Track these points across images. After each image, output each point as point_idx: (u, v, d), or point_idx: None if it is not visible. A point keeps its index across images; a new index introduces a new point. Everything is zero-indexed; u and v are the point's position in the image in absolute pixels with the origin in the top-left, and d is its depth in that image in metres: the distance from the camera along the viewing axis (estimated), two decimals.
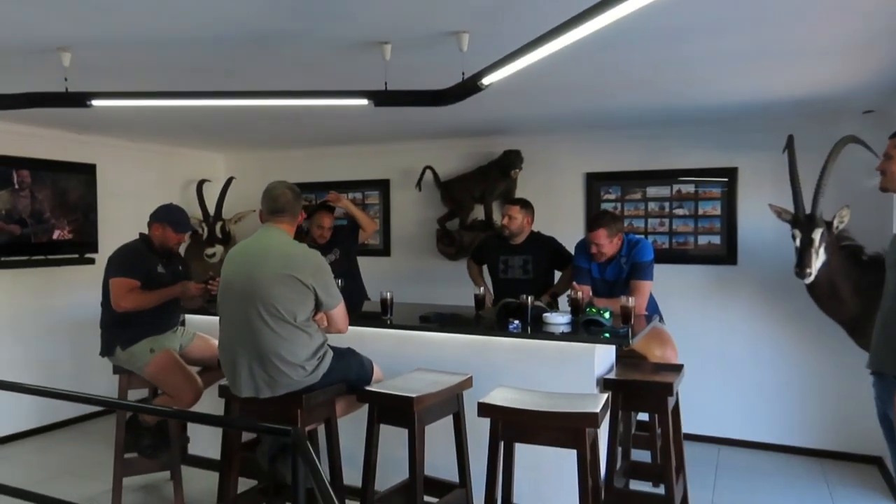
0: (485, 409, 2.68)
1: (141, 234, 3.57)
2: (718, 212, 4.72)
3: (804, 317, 4.30)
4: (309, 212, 5.12)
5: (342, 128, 4.98)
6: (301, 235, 5.37)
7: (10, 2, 2.29)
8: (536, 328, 3.28)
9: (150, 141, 5.67)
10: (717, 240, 4.73)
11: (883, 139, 2.56)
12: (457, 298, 4.49)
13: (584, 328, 3.24)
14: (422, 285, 5.46)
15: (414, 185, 5.57)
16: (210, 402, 3.51)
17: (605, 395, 2.77)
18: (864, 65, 3.16)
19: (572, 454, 2.56)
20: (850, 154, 3.76)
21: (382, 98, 2.85)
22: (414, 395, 2.78)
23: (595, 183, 5.10)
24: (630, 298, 3.27)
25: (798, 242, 3.74)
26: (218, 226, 5.90)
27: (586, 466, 2.55)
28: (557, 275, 4.26)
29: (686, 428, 3.81)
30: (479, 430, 2.96)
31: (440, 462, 3.20)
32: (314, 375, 2.81)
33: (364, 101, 2.88)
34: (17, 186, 4.72)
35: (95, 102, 2.97)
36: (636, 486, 3.55)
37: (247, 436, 3.39)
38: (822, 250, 3.69)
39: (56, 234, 4.97)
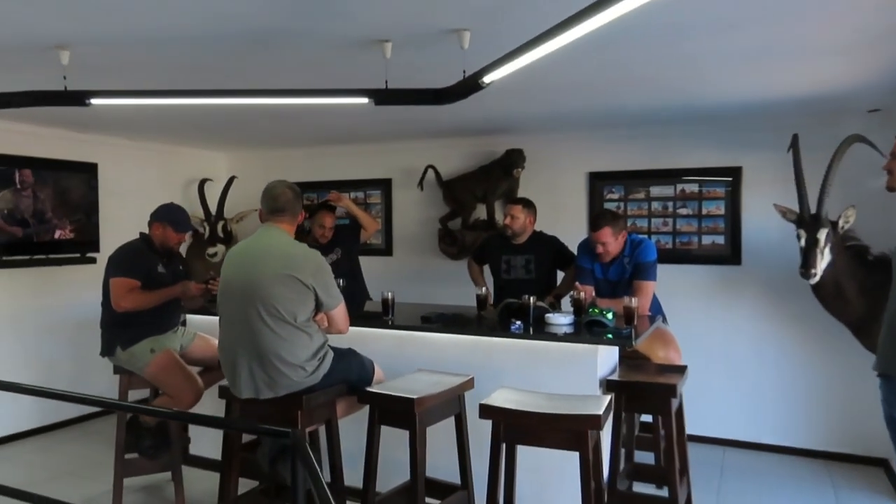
0: (486, 411, 2.65)
1: (141, 234, 3.56)
2: (722, 211, 4.69)
3: (809, 317, 4.26)
4: (310, 211, 5.11)
5: (344, 127, 4.96)
6: (303, 235, 5.38)
7: None
8: (539, 329, 3.25)
9: (151, 140, 5.66)
10: (721, 240, 4.70)
11: (889, 138, 2.54)
12: (459, 298, 4.47)
13: (587, 329, 3.22)
14: (424, 285, 5.44)
15: (416, 185, 5.55)
16: (211, 403, 3.49)
17: (608, 397, 2.74)
18: (870, 63, 3.12)
19: (575, 456, 2.53)
20: (856, 153, 3.73)
21: (383, 97, 2.82)
22: (415, 397, 2.75)
23: (598, 182, 5.07)
24: (633, 299, 3.25)
25: (803, 242, 3.70)
26: (219, 225, 5.88)
27: (589, 469, 2.52)
28: (560, 275, 4.24)
29: (690, 429, 3.78)
30: (481, 432, 2.93)
31: (442, 463, 3.18)
32: (314, 376, 2.79)
33: (364, 100, 2.86)
34: (18, 186, 4.72)
35: (94, 101, 2.95)
36: (639, 488, 3.52)
37: (248, 436, 3.37)
38: (827, 250, 3.66)
39: (57, 234, 4.96)
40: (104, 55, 2.92)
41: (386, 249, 5.87)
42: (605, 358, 3.22)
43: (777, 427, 4.53)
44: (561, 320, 3.29)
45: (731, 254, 4.66)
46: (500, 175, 5.14)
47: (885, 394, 2.35)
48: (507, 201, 4.77)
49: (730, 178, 4.65)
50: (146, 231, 3.54)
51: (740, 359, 4.62)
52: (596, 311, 3.28)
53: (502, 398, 2.72)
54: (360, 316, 3.67)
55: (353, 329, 3.06)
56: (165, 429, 3.51)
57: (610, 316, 3.25)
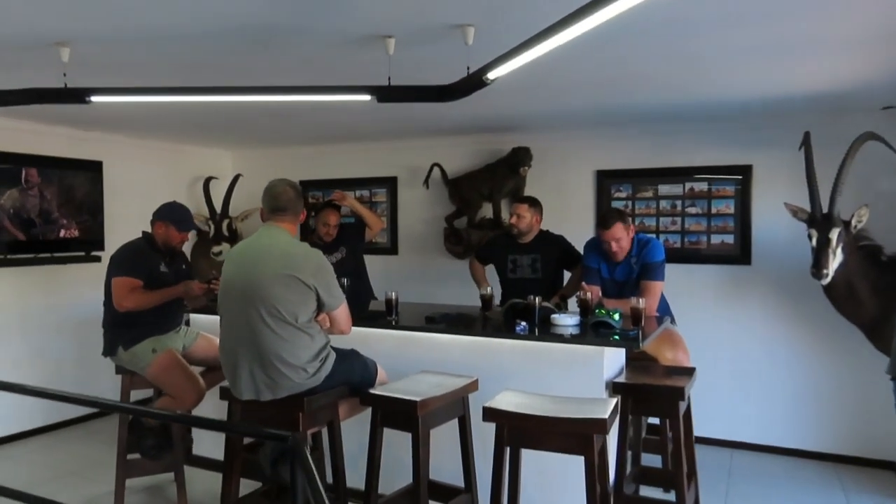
0: (490, 414, 2.61)
1: (144, 233, 3.54)
2: (732, 210, 4.62)
3: (820, 318, 4.20)
4: (315, 210, 5.09)
5: (348, 124, 4.93)
6: (308, 233, 5.36)
7: None
8: (544, 330, 3.21)
9: (156, 138, 5.64)
10: (730, 239, 4.63)
11: None
12: (464, 298, 4.43)
13: (593, 330, 3.17)
14: (429, 284, 5.41)
15: (421, 183, 5.51)
16: (213, 404, 3.47)
17: (614, 400, 2.69)
18: (884, 59, 3.05)
19: (581, 459, 2.49)
20: (869, 151, 3.66)
21: (386, 94, 2.78)
22: (418, 399, 2.71)
23: (606, 181, 5.01)
24: (640, 300, 3.20)
25: (814, 242, 3.64)
26: (224, 223, 5.88)
27: (594, 473, 2.47)
28: (566, 275, 4.19)
29: (698, 431, 3.73)
30: (485, 434, 2.88)
31: (446, 466, 3.14)
32: (316, 378, 2.76)
33: (367, 97, 2.82)
34: (24, 185, 4.71)
35: (95, 98, 2.92)
36: (646, 492, 3.48)
37: (249, 438, 3.34)
38: (839, 250, 3.60)
39: (63, 233, 4.95)
40: (105, 52, 2.89)
41: (391, 248, 5.84)
42: (612, 360, 3.17)
43: (786, 429, 4.47)
44: (567, 321, 3.24)
45: (740, 253, 4.59)
46: (506, 173, 5.10)
47: None
48: (513, 200, 4.73)
49: (740, 177, 4.59)
50: (150, 230, 3.52)
51: (749, 360, 4.56)
52: (602, 311, 3.23)
53: (506, 401, 2.68)
54: (363, 316, 3.63)
55: (356, 329, 3.02)
56: (167, 429, 3.48)
57: (617, 317, 3.19)
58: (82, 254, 5.08)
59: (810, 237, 3.68)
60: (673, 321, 3.76)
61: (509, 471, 2.74)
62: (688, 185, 4.75)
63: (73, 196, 5.02)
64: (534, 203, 4.12)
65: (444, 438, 3.07)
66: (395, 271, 5.68)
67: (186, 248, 5.68)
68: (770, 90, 3.73)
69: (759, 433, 4.54)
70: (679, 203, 4.78)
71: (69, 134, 5.04)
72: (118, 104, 3.73)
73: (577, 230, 4.46)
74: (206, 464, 4.09)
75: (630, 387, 3.03)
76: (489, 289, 3.82)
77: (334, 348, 2.88)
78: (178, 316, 3.60)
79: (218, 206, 5.91)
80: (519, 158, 4.98)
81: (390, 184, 5.83)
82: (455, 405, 2.97)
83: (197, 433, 4.23)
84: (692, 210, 4.74)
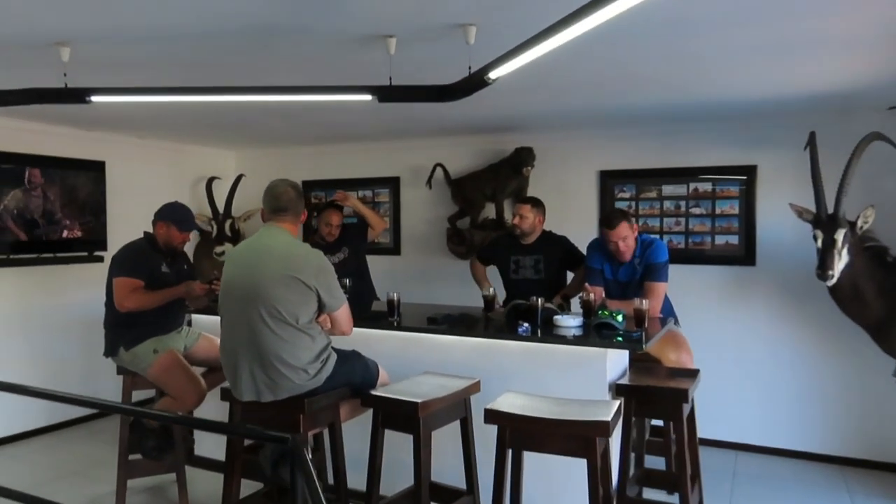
0: (491, 416, 2.59)
1: (145, 233, 3.53)
2: (736, 211, 4.59)
3: (826, 320, 4.17)
4: (317, 210, 5.08)
5: (351, 124, 4.92)
6: (310, 233, 5.35)
7: None
8: (547, 331, 3.19)
9: (159, 138, 5.64)
10: (734, 240, 4.60)
11: None
12: (467, 298, 4.41)
13: (596, 331, 3.15)
14: (432, 284, 5.39)
15: (424, 183, 5.50)
16: (215, 405, 3.46)
17: (618, 402, 2.67)
18: (890, 58, 3.02)
19: (584, 460, 2.47)
20: (875, 151, 3.63)
21: (386, 94, 2.76)
22: (419, 401, 2.70)
23: (609, 181, 4.98)
24: (644, 301, 3.17)
25: (820, 243, 3.61)
26: (227, 224, 5.87)
27: (597, 476, 2.45)
28: (570, 276, 4.17)
29: (702, 433, 3.71)
30: (487, 436, 2.86)
31: (448, 468, 3.12)
32: (317, 379, 2.74)
33: (368, 97, 2.80)
34: (28, 185, 4.71)
35: (95, 98, 2.91)
36: (650, 494, 3.44)
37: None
38: (844, 251, 3.57)
39: (65, 233, 4.95)
40: (105, 52, 2.88)
41: (394, 248, 5.82)
42: (615, 361, 3.15)
43: (791, 431, 4.44)
44: (570, 322, 3.22)
45: (745, 254, 4.56)
46: (509, 173, 5.08)
47: None
48: (516, 200, 4.70)
49: (744, 177, 4.56)
50: (152, 230, 3.51)
51: (754, 362, 4.53)
52: (606, 313, 3.21)
53: (508, 403, 2.66)
54: (365, 317, 3.62)
55: (357, 330, 3.01)
56: (169, 430, 3.47)
57: (620, 318, 3.17)
58: (85, 254, 5.08)
59: (815, 238, 3.65)
60: (676, 322, 3.74)
61: (511, 473, 2.72)
62: (692, 186, 4.72)
63: (75, 196, 5.02)
64: (536, 203, 4.10)
65: (446, 440, 3.05)
66: (397, 272, 5.67)
67: (189, 249, 5.71)
68: (774, 90, 3.70)
69: (763, 435, 4.51)
70: (683, 204, 4.75)
71: (72, 134, 5.04)
72: (119, 104, 3.72)
73: (581, 231, 4.44)
74: (207, 464, 4.08)
75: (633, 389, 3.01)
76: (492, 289, 3.80)
77: (335, 349, 2.87)
78: (179, 316, 3.59)
79: (220, 207, 5.90)
80: (522, 159, 4.96)
81: (393, 184, 5.82)
82: (457, 407, 2.95)
83: (198, 433, 4.22)
84: (696, 211, 4.72)
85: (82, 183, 5.07)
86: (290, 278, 2.62)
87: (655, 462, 3.57)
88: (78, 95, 2.84)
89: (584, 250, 3.93)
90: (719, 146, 4.61)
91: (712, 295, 4.64)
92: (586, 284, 3.63)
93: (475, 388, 3.01)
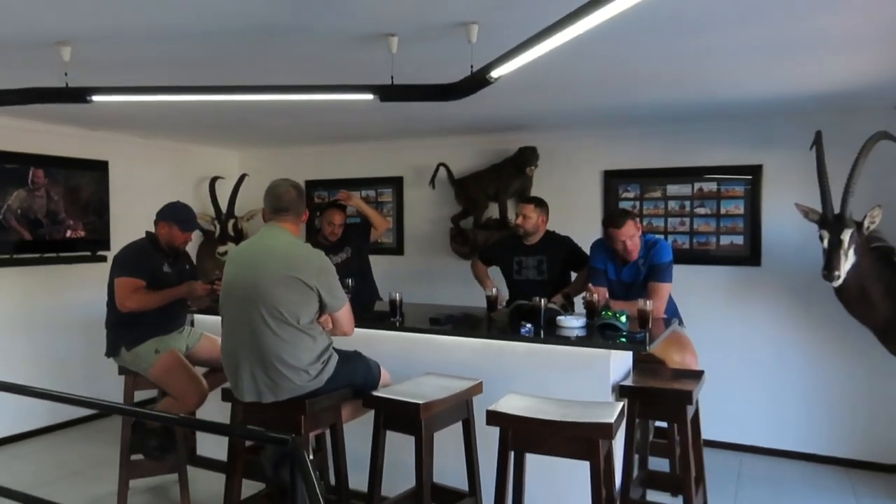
0: (493, 418, 2.57)
1: (147, 233, 3.52)
2: (742, 211, 4.56)
3: (832, 321, 4.13)
4: (320, 209, 5.07)
5: (353, 124, 4.90)
6: (314, 233, 5.34)
7: None
8: (550, 332, 3.17)
9: (162, 138, 5.64)
10: (740, 240, 4.57)
11: None
12: (470, 298, 4.39)
13: (600, 332, 3.13)
14: (435, 284, 5.37)
15: (427, 183, 5.48)
16: (217, 405, 3.45)
17: (621, 404, 2.64)
18: None
19: (587, 462, 2.45)
20: (882, 151, 3.60)
21: (388, 93, 2.75)
22: (421, 402, 2.68)
23: (613, 181, 4.96)
24: (648, 301, 3.16)
25: (826, 244, 3.58)
26: (230, 223, 5.86)
27: (600, 479, 2.43)
28: (573, 277, 4.14)
29: (707, 434, 3.68)
30: (490, 437, 2.85)
31: (450, 469, 3.11)
32: (318, 380, 2.73)
33: (369, 96, 2.78)
34: (31, 186, 4.71)
35: (96, 98, 2.90)
36: (653, 496, 3.42)
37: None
38: (851, 252, 3.53)
39: (69, 233, 4.96)
40: (106, 52, 2.87)
41: (397, 248, 5.81)
42: (619, 362, 3.12)
43: (797, 433, 4.40)
44: (573, 323, 3.20)
45: (750, 254, 4.53)
46: (512, 173, 5.05)
47: None
48: (519, 200, 4.68)
49: (749, 177, 4.52)
50: (154, 230, 3.50)
51: (759, 363, 4.49)
52: (609, 313, 3.19)
53: (510, 404, 2.64)
54: (367, 317, 3.60)
55: (359, 331, 2.99)
56: (171, 430, 3.46)
57: (623, 319, 3.15)
58: (88, 254, 5.08)
59: (822, 238, 3.62)
60: (681, 323, 3.71)
61: (514, 475, 2.70)
62: (697, 186, 4.69)
63: (78, 196, 5.02)
64: (540, 203, 4.08)
65: (448, 441, 3.04)
66: (400, 271, 5.65)
67: (192, 248, 5.71)
68: (779, 89, 3.67)
69: (769, 437, 4.48)
70: (688, 203, 4.72)
71: (75, 133, 5.04)
72: (121, 104, 3.71)
73: (584, 231, 4.40)
74: (209, 464, 4.08)
75: (637, 390, 2.98)
76: (495, 290, 3.78)
77: (337, 350, 2.85)
78: (181, 316, 3.58)
79: (224, 206, 5.89)
80: (525, 158, 4.93)
81: (396, 184, 5.80)
82: (459, 408, 2.93)
83: (201, 434, 4.21)
84: (701, 210, 4.68)
85: (86, 183, 5.07)
86: (291, 278, 2.61)
87: (659, 464, 3.54)
88: (78, 95, 2.83)
89: (587, 251, 3.91)
90: (724, 146, 4.58)
91: (717, 296, 4.61)
92: (590, 285, 3.60)
93: (477, 389, 2.99)
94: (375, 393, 2.88)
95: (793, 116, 4.28)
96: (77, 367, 5.03)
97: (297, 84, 3.15)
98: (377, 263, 5.10)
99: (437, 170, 5.40)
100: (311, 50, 2.89)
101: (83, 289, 5.11)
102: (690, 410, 2.94)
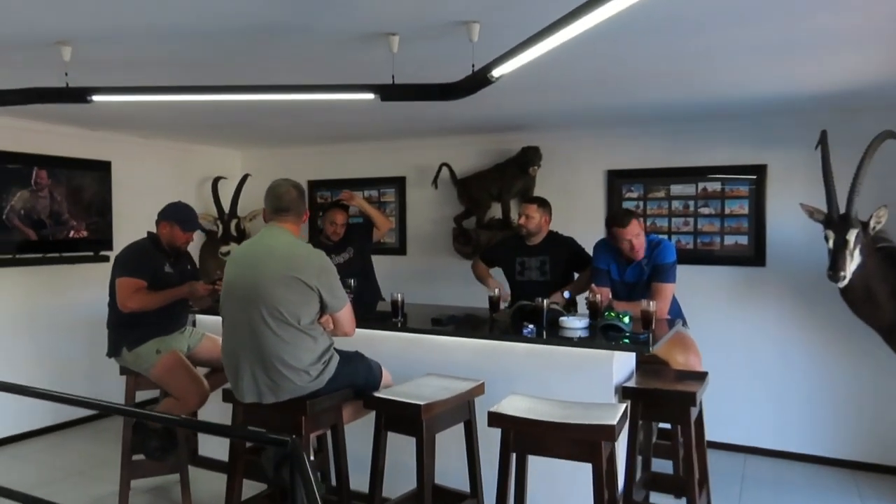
0: (495, 419, 2.55)
1: (149, 233, 3.51)
2: (746, 211, 4.53)
3: (837, 322, 4.10)
4: (323, 209, 5.06)
5: (357, 124, 4.89)
6: (317, 233, 5.33)
7: None
8: (552, 333, 3.15)
9: (165, 138, 5.64)
10: (744, 240, 4.54)
11: None
12: (472, 298, 4.37)
13: (603, 333, 3.10)
14: (437, 285, 5.36)
15: (430, 183, 5.46)
16: (218, 405, 3.44)
17: (624, 406, 2.62)
18: None
19: (589, 464, 2.43)
20: (888, 150, 3.56)
21: (389, 92, 2.73)
22: (422, 403, 2.66)
23: (616, 181, 4.93)
24: (651, 302, 3.12)
25: (831, 244, 3.55)
26: (233, 223, 5.86)
27: (602, 481, 2.41)
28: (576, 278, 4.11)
29: (711, 435, 3.65)
30: (492, 438, 2.83)
31: (452, 470, 3.09)
32: (319, 381, 2.71)
33: (370, 96, 2.77)
34: (34, 187, 4.72)
35: (96, 98, 2.89)
36: (656, 498, 3.40)
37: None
38: (857, 252, 3.50)
39: (71, 233, 4.96)
40: (106, 51, 2.86)
41: (400, 248, 5.79)
42: (622, 364, 3.10)
43: (802, 435, 4.37)
44: (575, 324, 3.18)
45: (754, 255, 4.50)
46: (515, 173, 5.04)
47: None
48: (522, 200, 4.66)
49: (754, 176, 4.49)
50: (155, 230, 3.49)
51: (764, 364, 4.46)
52: (612, 314, 3.17)
53: (512, 406, 2.62)
54: (368, 317, 3.59)
55: (361, 331, 2.98)
56: (172, 430, 3.46)
57: (627, 320, 3.13)
58: (91, 254, 5.08)
59: (827, 238, 3.59)
60: (685, 324, 3.69)
61: (516, 477, 2.68)
62: (701, 185, 4.66)
63: (81, 196, 5.02)
64: (543, 203, 4.06)
65: (450, 442, 3.02)
66: (403, 272, 5.64)
67: (195, 248, 5.71)
68: (783, 88, 3.64)
69: (773, 438, 4.45)
70: (692, 203, 4.70)
71: (77, 134, 5.04)
72: (123, 104, 3.71)
73: (588, 231, 4.39)
74: (211, 465, 4.07)
75: (640, 391, 2.96)
76: (497, 290, 3.76)
77: (338, 350, 2.84)
78: (182, 317, 3.57)
79: (226, 206, 5.89)
80: (528, 158, 4.91)
81: (399, 184, 5.79)
82: (460, 409, 2.92)
83: (202, 434, 4.21)
84: (705, 210, 4.66)
85: (88, 183, 5.07)
86: (291, 279, 2.60)
87: (663, 465, 3.52)
88: (79, 95, 2.82)
89: (591, 250, 3.89)
90: (729, 145, 4.55)
91: (721, 296, 4.58)
92: (593, 285, 3.58)
93: (479, 390, 2.97)
94: (376, 394, 2.86)
95: (797, 116, 4.25)
96: (80, 367, 5.03)
97: (297, 84, 3.13)
98: (380, 263, 5.09)
99: (439, 170, 5.39)
100: (311, 49, 2.87)
101: (86, 289, 5.11)
102: (694, 412, 2.91)
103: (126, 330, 3.36)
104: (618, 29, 2.41)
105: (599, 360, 3.01)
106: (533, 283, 3.96)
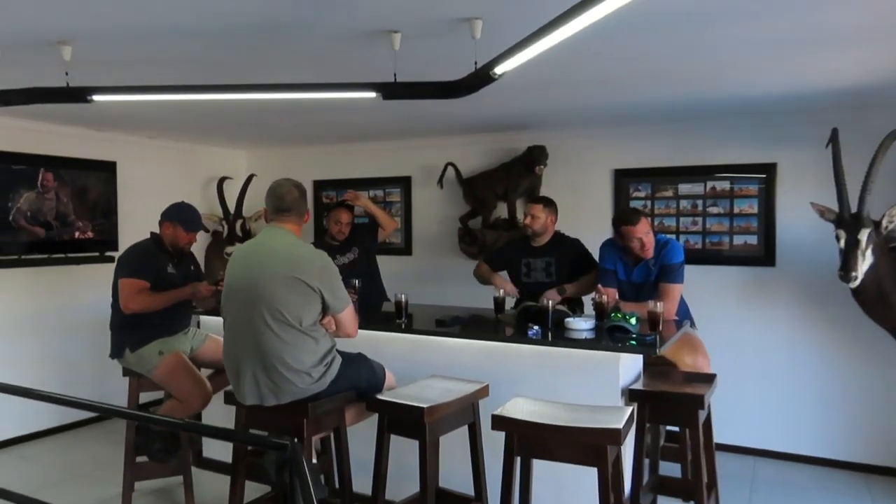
0: (499, 422, 2.52)
1: (152, 234, 3.50)
2: (755, 210, 4.47)
3: (848, 322, 4.04)
4: (328, 209, 5.04)
5: (362, 124, 4.86)
6: (322, 233, 5.31)
7: None
8: (558, 334, 3.11)
9: (170, 138, 5.63)
10: (753, 240, 4.48)
11: None
12: (478, 299, 4.32)
13: (609, 335, 3.06)
14: (443, 285, 5.32)
15: (436, 183, 5.43)
16: (221, 407, 3.41)
17: (630, 409, 2.57)
18: None
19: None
20: None
21: (391, 90, 2.70)
22: (425, 406, 2.63)
23: (624, 180, 4.88)
24: (658, 303, 3.08)
25: (842, 244, 3.49)
26: (238, 224, 5.85)
27: (608, 485, 2.37)
28: None
29: (719, 438, 3.60)
30: (497, 441, 2.78)
31: (456, 473, 3.06)
32: (321, 383, 2.68)
33: (372, 94, 2.73)
34: (41, 189, 4.72)
35: (97, 97, 2.88)
36: (664, 502, 3.35)
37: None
38: (868, 252, 3.45)
39: (77, 234, 4.96)
40: (107, 51, 2.84)
41: (405, 249, 5.76)
42: (628, 366, 3.06)
43: (812, 437, 4.31)
44: (581, 325, 3.14)
45: (764, 255, 4.44)
46: (521, 172, 4.99)
47: None
48: (528, 200, 4.62)
49: (763, 175, 4.43)
50: (158, 231, 3.48)
51: (774, 365, 4.40)
52: (619, 315, 3.12)
53: (517, 408, 2.58)
54: (372, 319, 3.56)
55: (364, 332, 2.95)
56: (175, 432, 3.44)
57: (633, 321, 3.08)
58: (97, 254, 5.08)
59: (838, 238, 3.53)
60: (693, 325, 3.64)
61: (520, 480, 2.65)
62: (709, 184, 4.60)
63: (87, 197, 5.02)
64: (548, 203, 4.01)
65: (454, 445, 2.99)
66: (408, 272, 5.60)
67: (201, 249, 5.71)
68: (794, 85, 3.58)
69: (783, 441, 4.38)
70: (700, 203, 4.64)
71: (83, 134, 5.04)
72: (128, 104, 3.70)
73: (595, 231, 4.33)
74: (215, 466, 4.05)
75: (647, 394, 2.92)
76: (501, 291, 3.71)
77: (340, 352, 2.81)
78: (185, 317, 3.56)
79: (232, 206, 5.88)
80: (534, 157, 4.87)
81: (404, 183, 5.76)
82: (464, 412, 2.88)
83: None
84: (714, 210, 4.60)
85: (93, 183, 5.07)
86: (292, 279, 2.57)
87: (671, 469, 3.47)
88: (79, 95, 2.80)
89: (598, 249, 3.83)
90: (737, 143, 4.49)
91: (730, 297, 4.52)
92: (599, 286, 3.53)
93: (483, 392, 2.94)
94: (379, 396, 2.83)
95: (808, 114, 4.19)
96: (85, 368, 5.03)
97: (299, 82, 3.11)
98: (385, 264, 5.06)
99: (445, 169, 5.35)
100: (313, 48, 2.84)
101: (91, 289, 5.10)
102: (702, 415, 2.86)
103: (129, 331, 3.34)
104: (623, 25, 2.36)
105: (606, 362, 2.97)
106: (539, 285, 3.92)
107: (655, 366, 3.28)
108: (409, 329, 3.41)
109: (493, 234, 5.12)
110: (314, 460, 2.98)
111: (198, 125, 4.99)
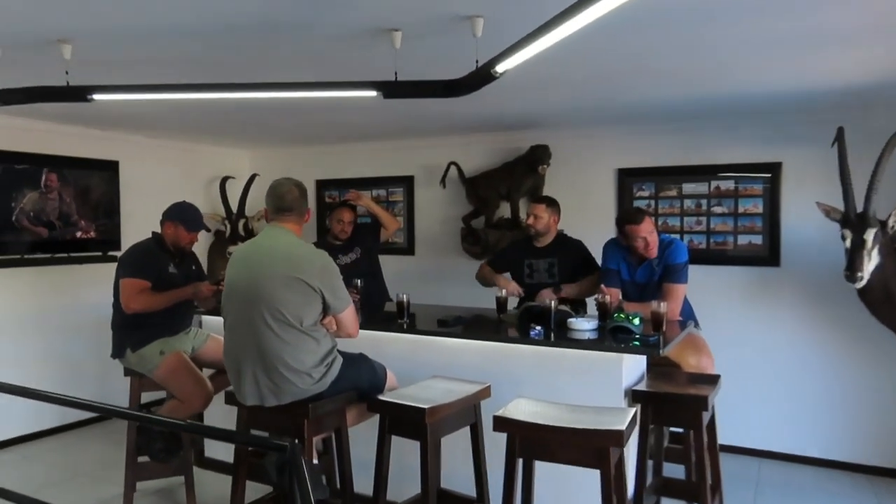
0: (500, 424, 2.50)
1: (153, 233, 3.49)
2: (760, 210, 4.44)
3: (854, 323, 4.01)
4: (330, 209, 5.03)
5: (364, 123, 4.85)
6: (325, 233, 5.30)
7: None
8: (560, 335, 3.09)
9: (173, 138, 5.63)
10: (758, 240, 4.45)
11: None
12: (480, 299, 4.30)
13: (612, 335, 3.04)
14: (446, 285, 5.31)
15: (438, 182, 5.42)
16: (222, 407, 3.40)
17: (633, 410, 2.55)
18: None
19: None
20: None
21: (392, 89, 2.68)
22: (426, 406, 2.62)
23: (627, 179, 4.86)
24: (662, 303, 3.06)
25: (848, 243, 3.47)
26: (241, 223, 5.84)
27: (611, 487, 2.34)
28: None
29: (724, 439, 3.58)
30: (498, 442, 2.76)
31: (458, 474, 3.04)
32: (322, 383, 2.67)
33: (372, 93, 2.72)
34: (44, 189, 4.72)
35: (97, 96, 2.87)
36: None
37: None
38: (875, 252, 3.42)
39: (79, 233, 4.96)
40: (107, 50, 2.83)
41: (408, 248, 5.75)
42: (632, 367, 3.03)
43: (818, 439, 4.28)
44: (584, 326, 3.12)
45: (769, 255, 4.41)
46: (524, 172, 4.97)
47: None
48: (531, 200, 4.59)
49: (768, 175, 4.40)
50: (160, 230, 3.47)
51: (779, 366, 4.37)
52: (622, 315, 3.10)
53: (519, 409, 2.56)
54: (373, 319, 3.55)
55: (365, 333, 2.93)
56: (176, 432, 3.43)
57: (637, 321, 3.06)
58: (99, 254, 5.08)
59: (844, 238, 3.51)
60: (697, 325, 3.61)
61: (522, 482, 2.62)
62: (714, 184, 4.57)
63: (89, 196, 5.02)
64: (551, 203, 3.99)
65: (456, 446, 2.97)
66: (411, 272, 5.59)
67: (203, 248, 5.71)
68: (799, 84, 3.54)
69: (788, 442, 4.35)
70: (704, 202, 4.61)
71: (85, 134, 5.04)
72: (130, 103, 3.69)
73: (598, 230, 4.31)
74: (216, 466, 4.05)
75: (650, 395, 2.89)
76: (504, 291, 3.69)
77: (341, 352, 2.80)
78: (187, 317, 3.55)
79: (234, 206, 5.88)
80: (537, 157, 4.85)
81: (407, 183, 5.74)
82: (466, 413, 2.86)
83: None
84: (718, 209, 4.57)
85: (96, 183, 5.07)
86: (292, 279, 2.56)
87: (674, 470, 3.45)
88: (80, 94, 2.79)
89: (601, 249, 3.80)
90: (742, 142, 4.46)
91: (735, 297, 4.49)
92: (602, 286, 3.51)
93: (485, 393, 2.92)
94: (380, 397, 2.81)
95: (813, 113, 4.16)
96: (88, 367, 5.03)
97: (299, 81, 3.09)
98: (388, 263, 5.05)
99: (447, 169, 5.34)
100: (313, 48, 2.83)
101: (94, 289, 5.09)
102: (706, 416, 2.84)
103: (130, 331, 3.34)
104: (624, 21, 2.34)
105: (609, 362, 2.94)
106: (542, 286, 3.89)
107: (659, 367, 3.25)
108: (411, 329, 3.39)
109: (496, 233, 5.11)
110: (315, 461, 2.97)
111: (199, 125, 4.99)
